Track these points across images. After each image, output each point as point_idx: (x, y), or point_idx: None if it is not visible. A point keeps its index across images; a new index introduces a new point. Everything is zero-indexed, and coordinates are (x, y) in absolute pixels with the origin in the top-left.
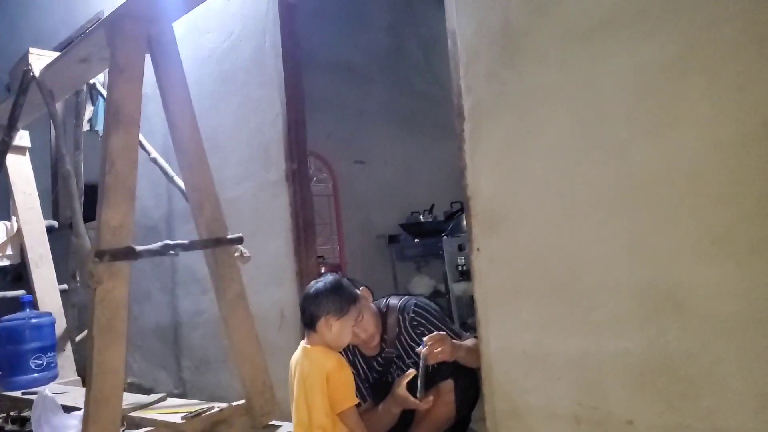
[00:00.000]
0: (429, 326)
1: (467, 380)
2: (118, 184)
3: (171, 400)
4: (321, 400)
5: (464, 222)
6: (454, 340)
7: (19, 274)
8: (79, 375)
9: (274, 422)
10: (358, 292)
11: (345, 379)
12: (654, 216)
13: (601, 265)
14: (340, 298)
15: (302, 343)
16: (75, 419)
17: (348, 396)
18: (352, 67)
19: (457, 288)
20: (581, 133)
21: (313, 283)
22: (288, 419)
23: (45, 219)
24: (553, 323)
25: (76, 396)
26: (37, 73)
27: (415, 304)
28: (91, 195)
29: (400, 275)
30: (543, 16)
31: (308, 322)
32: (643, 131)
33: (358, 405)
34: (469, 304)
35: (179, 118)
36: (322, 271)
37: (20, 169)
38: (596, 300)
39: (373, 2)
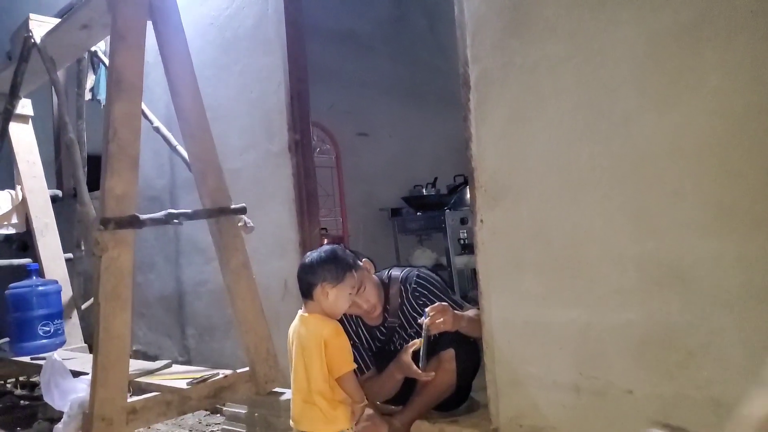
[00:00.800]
0: (431, 297)
1: (468, 349)
2: (121, 152)
3: (176, 367)
4: (319, 366)
5: (467, 195)
6: (455, 311)
7: (24, 243)
8: (85, 342)
9: (277, 389)
10: (360, 263)
11: (342, 345)
12: (659, 189)
13: (604, 237)
14: (336, 266)
15: (300, 311)
16: (83, 383)
17: (345, 361)
18: (355, 37)
19: (459, 261)
20: (588, 104)
21: (309, 253)
22: (290, 387)
23: (49, 188)
24: (555, 294)
25: (84, 361)
26: (38, 40)
27: (417, 275)
28: (94, 166)
29: (402, 248)
30: None
31: (305, 291)
32: (651, 102)
33: (358, 371)
34: (470, 277)
35: (182, 86)
36: (324, 242)
37: (23, 138)
38: (598, 272)
39: None
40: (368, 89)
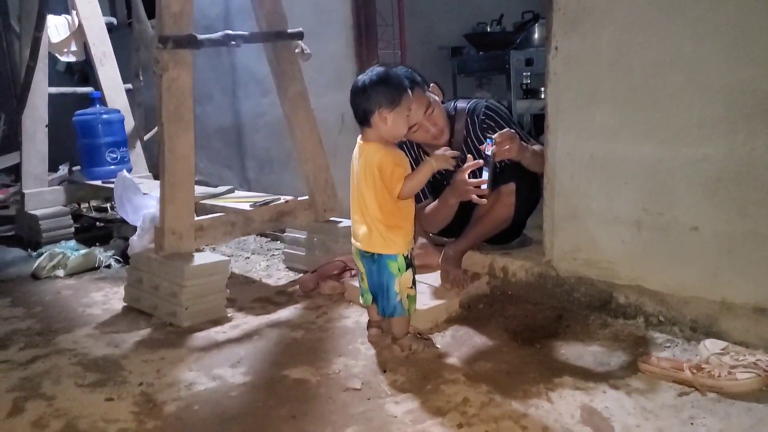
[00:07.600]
0: (497, 129)
1: (529, 186)
2: None
3: (239, 193)
4: (372, 193)
5: (536, 34)
6: (522, 142)
7: (85, 75)
8: (149, 171)
9: (334, 218)
10: (428, 87)
11: (392, 169)
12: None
13: (692, 65)
14: (390, 88)
15: (358, 140)
16: (153, 200)
17: (399, 183)
18: None
19: (521, 105)
20: None
21: (360, 76)
22: (348, 217)
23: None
24: (629, 128)
25: (151, 186)
26: None
27: (486, 106)
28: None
29: (460, 90)
30: None
31: (361, 119)
32: None
33: (415, 200)
34: (530, 122)
35: None
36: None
37: None
38: (681, 103)
39: None
40: None
